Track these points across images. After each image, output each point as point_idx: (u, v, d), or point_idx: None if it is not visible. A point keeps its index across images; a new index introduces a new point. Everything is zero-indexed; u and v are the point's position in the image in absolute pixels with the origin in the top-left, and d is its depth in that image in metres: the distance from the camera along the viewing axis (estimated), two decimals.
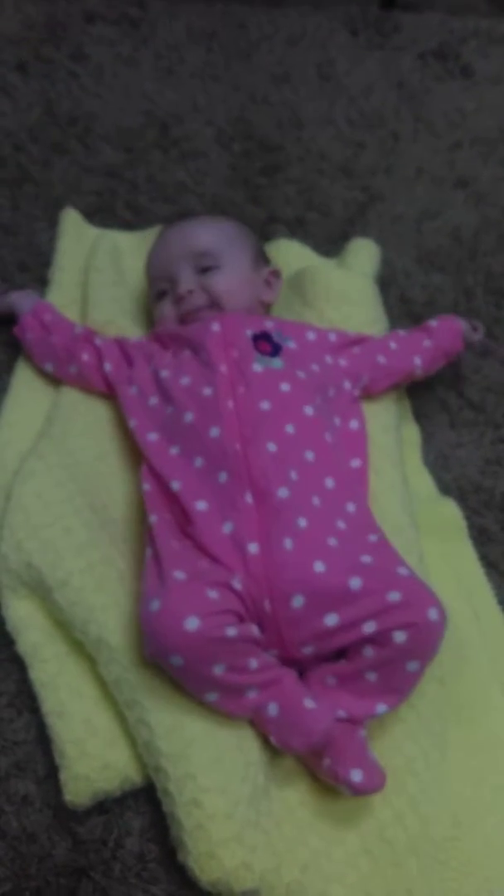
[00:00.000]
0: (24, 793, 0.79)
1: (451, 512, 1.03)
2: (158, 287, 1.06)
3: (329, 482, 0.88)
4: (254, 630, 0.77)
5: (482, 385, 1.19)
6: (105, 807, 0.79)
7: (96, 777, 0.77)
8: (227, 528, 0.81)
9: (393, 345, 1.07)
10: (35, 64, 1.57)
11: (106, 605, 0.82)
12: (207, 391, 0.90)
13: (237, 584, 0.78)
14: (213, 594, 0.75)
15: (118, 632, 0.80)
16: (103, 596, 0.82)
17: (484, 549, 1.02)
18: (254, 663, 0.76)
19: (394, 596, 0.77)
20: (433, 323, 1.11)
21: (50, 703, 0.80)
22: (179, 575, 0.76)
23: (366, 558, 0.81)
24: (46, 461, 0.93)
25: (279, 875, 0.72)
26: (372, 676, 0.77)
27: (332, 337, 1.05)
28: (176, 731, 0.75)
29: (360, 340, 1.06)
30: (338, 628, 0.78)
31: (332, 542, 0.82)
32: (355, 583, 0.78)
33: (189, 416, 0.90)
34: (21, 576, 0.85)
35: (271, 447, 0.86)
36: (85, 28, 1.66)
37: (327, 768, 0.74)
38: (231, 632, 0.73)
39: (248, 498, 0.83)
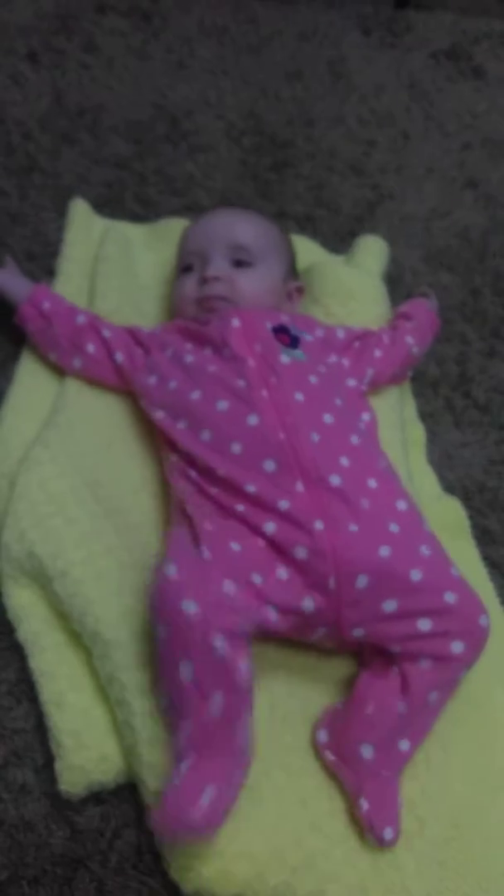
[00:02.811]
0: (22, 781, 0.79)
1: (454, 510, 1.03)
2: (188, 261, 1.06)
3: (381, 464, 0.88)
4: (243, 670, 0.71)
5: (488, 385, 1.19)
6: (103, 797, 0.78)
7: (92, 768, 0.77)
8: (282, 505, 0.80)
9: (385, 337, 1.08)
10: (46, 54, 1.56)
11: (104, 599, 0.81)
12: (241, 383, 0.89)
13: (258, 579, 0.75)
14: (229, 588, 0.72)
15: (113, 627, 0.79)
16: (102, 589, 0.82)
17: (487, 549, 1.02)
18: (218, 701, 0.70)
19: (450, 597, 0.78)
20: (405, 308, 1.15)
21: (48, 692, 0.80)
22: (206, 553, 0.75)
23: (424, 550, 0.81)
24: (51, 451, 0.92)
25: (264, 880, 0.71)
26: (434, 697, 0.78)
27: (341, 334, 1.05)
28: (161, 742, 0.75)
29: (362, 336, 1.07)
30: (394, 615, 0.78)
31: (394, 527, 0.82)
32: (416, 574, 0.79)
33: (223, 405, 0.88)
34: (23, 565, 0.85)
35: (315, 437, 0.85)
36: (96, 19, 1.65)
37: (364, 813, 0.75)
38: (218, 643, 0.69)
39: (300, 486, 0.81)
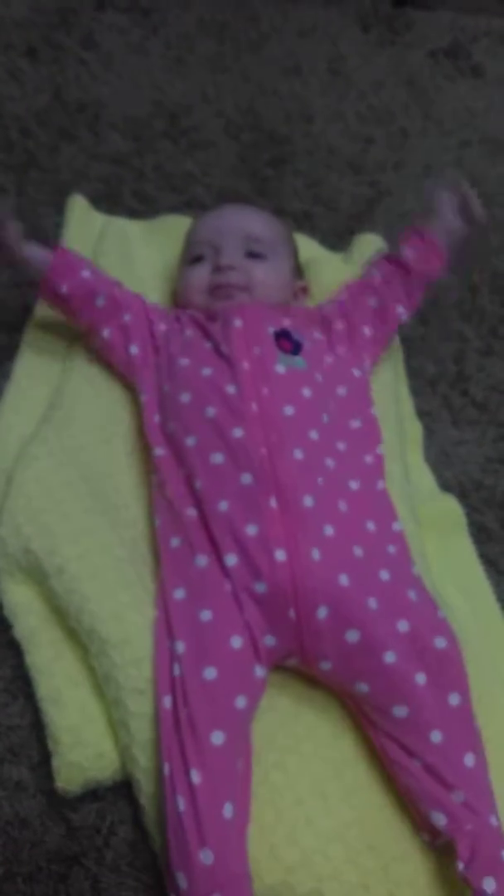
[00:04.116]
0: (17, 778, 0.79)
1: (451, 507, 1.03)
2: (197, 251, 1.05)
3: (353, 485, 0.87)
4: None
5: (486, 383, 1.19)
6: (99, 794, 0.78)
7: (89, 765, 0.76)
8: (251, 530, 0.79)
9: (372, 301, 1.04)
10: (45, 49, 1.56)
11: (100, 596, 0.81)
12: (231, 389, 0.88)
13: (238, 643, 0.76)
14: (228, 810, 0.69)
15: (110, 625, 0.79)
16: (98, 586, 0.82)
17: (483, 547, 1.02)
18: None
19: (402, 626, 0.77)
20: (408, 252, 1.05)
21: (45, 688, 0.80)
22: (198, 776, 0.69)
23: (384, 574, 0.80)
24: (49, 446, 0.92)
25: (261, 879, 0.71)
26: (437, 737, 0.74)
27: (327, 310, 1.04)
28: (156, 744, 0.74)
29: (348, 311, 1.03)
30: (357, 647, 0.76)
31: (358, 552, 0.81)
32: (372, 603, 0.77)
33: (211, 411, 0.87)
34: (19, 561, 0.85)
35: (298, 454, 0.84)
36: (95, 15, 1.65)
37: (460, 872, 0.70)
38: None
39: (273, 503, 0.81)
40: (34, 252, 1.00)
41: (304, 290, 1.11)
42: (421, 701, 0.76)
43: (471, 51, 1.73)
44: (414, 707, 0.75)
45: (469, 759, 0.75)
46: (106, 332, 1.00)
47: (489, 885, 0.68)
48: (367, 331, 1.03)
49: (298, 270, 1.12)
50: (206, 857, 0.66)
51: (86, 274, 1.01)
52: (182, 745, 0.71)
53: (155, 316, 1.02)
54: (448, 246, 1.06)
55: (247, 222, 1.05)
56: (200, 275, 1.03)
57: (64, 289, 0.99)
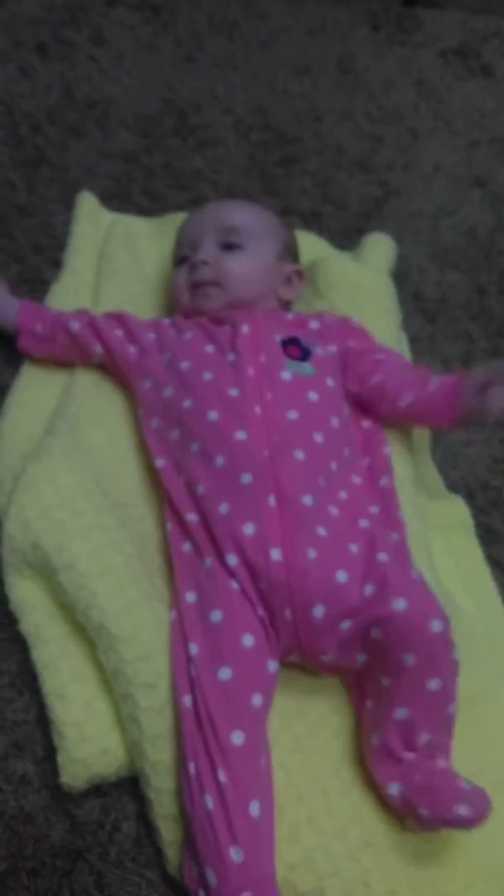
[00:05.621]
0: (22, 773, 0.79)
1: (458, 509, 1.03)
2: (181, 252, 1.06)
3: (345, 493, 0.87)
4: None
5: None
6: (103, 790, 0.79)
7: (94, 761, 0.77)
8: (248, 529, 0.80)
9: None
10: (55, 46, 1.56)
11: (109, 592, 0.81)
12: (233, 392, 0.89)
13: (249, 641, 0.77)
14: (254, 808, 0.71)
15: (119, 620, 0.79)
16: (107, 582, 0.82)
17: (490, 547, 1.02)
18: None
19: (399, 604, 0.76)
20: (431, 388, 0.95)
21: (51, 684, 0.80)
22: (222, 778, 0.71)
23: (381, 556, 0.80)
24: (62, 441, 0.92)
25: None
26: (402, 713, 0.75)
27: (314, 325, 1.02)
28: (166, 740, 0.75)
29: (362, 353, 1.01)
30: (350, 633, 0.77)
31: (354, 548, 0.81)
32: (368, 589, 0.78)
33: (213, 415, 0.88)
34: (27, 556, 0.85)
35: (299, 455, 0.84)
36: (106, 12, 1.65)
37: (429, 819, 0.72)
38: None
39: (272, 501, 0.81)
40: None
41: (299, 275, 1.09)
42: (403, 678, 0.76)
43: (481, 51, 1.73)
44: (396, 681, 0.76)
45: (424, 737, 0.75)
46: (97, 349, 1.01)
47: (461, 810, 0.70)
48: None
49: (291, 255, 1.11)
50: (236, 854, 0.67)
51: (52, 312, 1.05)
52: (206, 743, 0.71)
53: (139, 329, 1.01)
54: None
55: (223, 214, 1.05)
56: (181, 276, 1.04)
57: (39, 328, 1.02)
